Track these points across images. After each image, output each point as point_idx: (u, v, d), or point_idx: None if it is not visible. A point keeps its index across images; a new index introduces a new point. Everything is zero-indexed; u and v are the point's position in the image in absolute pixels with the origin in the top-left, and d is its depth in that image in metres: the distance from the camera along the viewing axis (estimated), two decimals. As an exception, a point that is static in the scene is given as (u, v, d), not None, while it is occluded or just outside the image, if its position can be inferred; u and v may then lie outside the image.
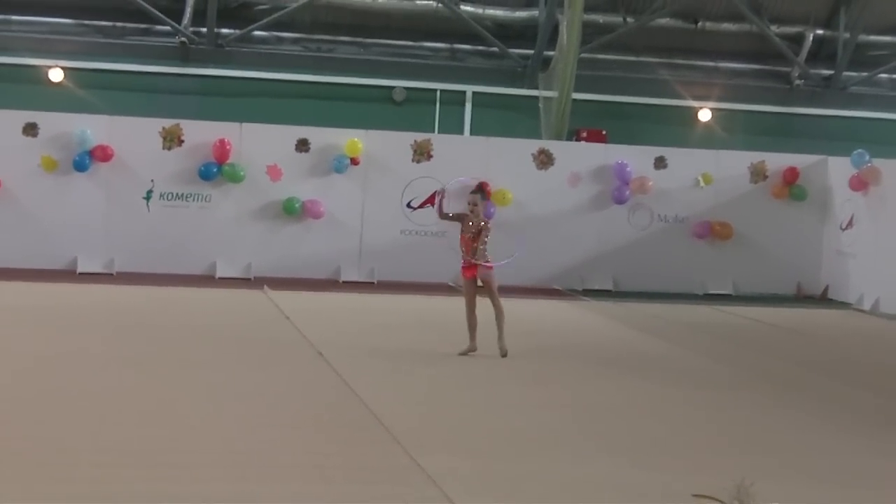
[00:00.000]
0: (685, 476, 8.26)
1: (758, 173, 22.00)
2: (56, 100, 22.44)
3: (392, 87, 25.29)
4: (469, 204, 13.41)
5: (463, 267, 13.41)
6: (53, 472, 7.57)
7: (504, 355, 13.12)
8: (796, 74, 26.90)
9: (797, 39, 26.69)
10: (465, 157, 21.02)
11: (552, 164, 21.27)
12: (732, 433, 10.03)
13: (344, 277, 20.25)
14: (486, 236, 13.29)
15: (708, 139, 25.31)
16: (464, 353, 13.14)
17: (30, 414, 9.22)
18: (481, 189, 13.78)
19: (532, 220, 20.94)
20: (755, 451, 9.26)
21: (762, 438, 9.84)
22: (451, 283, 20.28)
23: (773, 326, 17.83)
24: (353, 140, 20.37)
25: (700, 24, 26.33)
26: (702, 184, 21.63)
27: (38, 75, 23.62)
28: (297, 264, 20.13)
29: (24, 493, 7.14)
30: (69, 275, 19.18)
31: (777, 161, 22.11)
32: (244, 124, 20.41)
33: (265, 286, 18.84)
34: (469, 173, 20.62)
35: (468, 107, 25.62)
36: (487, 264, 13.25)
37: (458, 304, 18.40)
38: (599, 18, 25.52)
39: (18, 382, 10.50)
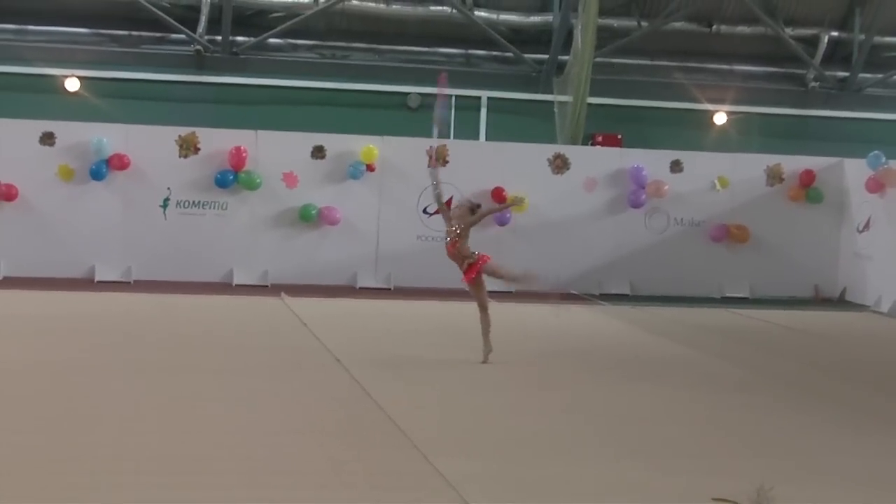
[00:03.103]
0: (703, 479, 8.26)
1: (774, 176, 21.97)
2: (72, 109, 22.49)
3: (407, 94, 25.32)
4: (456, 207, 13.32)
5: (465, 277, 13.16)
6: (73, 480, 7.59)
7: (484, 362, 12.94)
8: (811, 77, 26.86)
9: (812, 42, 26.64)
10: (480, 162, 21.04)
11: (568, 169, 21.28)
12: (749, 436, 10.01)
13: (360, 284, 20.28)
14: (464, 234, 12.97)
15: (723, 142, 25.26)
16: (485, 360, 12.98)
17: (49, 422, 9.24)
18: (472, 208, 13.28)
19: (548, 224, 20.98)
20: (772, 454, 9.25)
21: (779, 441, 9.83)
22: (468, 289, 20.27)
23: (790, 329, 17.80)
24: (368, 146, 20.41)
25: (714, 27, 26.29)
26: (718, 187, 21.61)
27: (55, 85, 23.68)
28: (313, 271, 20.15)
29: (44, 500, 7.16)
30: (87, 283, 19.24)
31: (793, 163, 22.08)
32: (260, 132, 20.46)
33: (282, 293, 18.87)
34: (485, 179, 20.72)
35: (483, 112, 25.63)
36: (479, 258, 12.99)
37: (476, 309, 18.51)
38: (614, 22, 25.50)
39: (38, 391, 10.53)
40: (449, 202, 13.82)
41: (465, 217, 13.00)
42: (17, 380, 11.02)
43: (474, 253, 12.97)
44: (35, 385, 10.80)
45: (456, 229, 12.92)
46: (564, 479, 8.19)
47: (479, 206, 13.38)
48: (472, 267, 12.97)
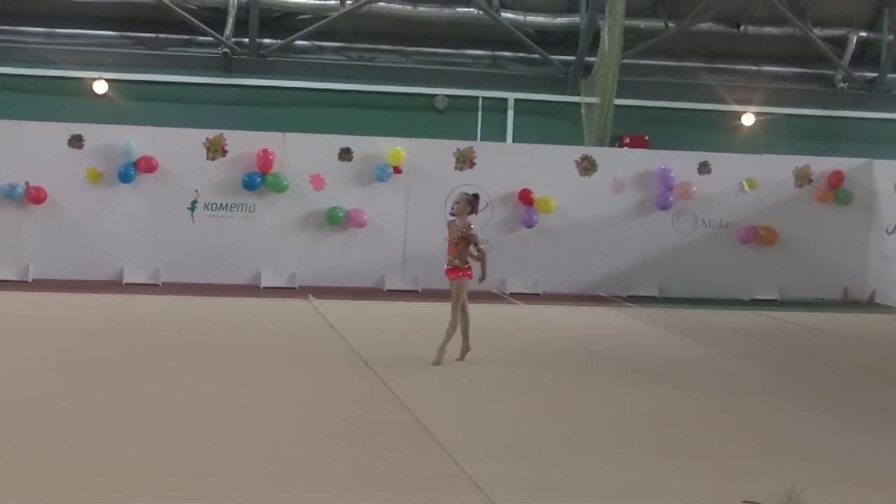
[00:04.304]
0: (729, 481, 8.21)
1: (802, 177, 21.90)
2: (100, 112, 22.61)
3: (434, 95, 25.33)
4: (456, 209, 13.14)
5: (447, 269, 13.00)
6: (98, 482, 7.60)
7: (436, 364, 12.68)
8: (840, 77, 26.75)
9: (840, 42, 26.56)
10: (507, 164, 21.03)
11: (595, 171, 21.23)
12: (776, 438, 9.95)
13: (388, 286, 20.29)
14: (472, 241, 12.82)
15: (752, 143, 25.19)
16: (460, 359, 12.89)
17: (75, 422, 9.27)
18: (475, 196, 13.28)
19: (576, 226, 20.97)
20: (800, 457, 9.19)
21: (807, 444, 9.77)
22: (494, 291, 20.27)
23: (818, 331, 17.72)
24: (395, 148, 20.41)
25: (742, 27, 26.23)
26: (746, 188, 21.55)
27: (83, 87, 23.81)
28: (341, 273, 20.17)
29: (71, 500, 7.18)
30: (115, 286, 19.31)
31: (822, 165, 22.00)
32: (287, 134, 20.49)
33: (310, 295, 18.89)
34: (512, 180, 20.73)
35: (510, 114, 25.62)
36: (463, 270, 12.83)
37: (503, 310, 18.52)
38: (641, 23, 25.48)
39: (65, 392, 10.57)
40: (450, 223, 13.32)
41: (464, 214, 12.90)
42: (46, 380, 11.06)
43: (468, 264, 12.86)
44: (62, 385, 10.84)
45: (455, 231, 12.87)
46: (590, 481, 8.16)
47: (476, 196, 13.26)
48: (457, 271, 12.82)
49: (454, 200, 13.10)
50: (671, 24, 25.77)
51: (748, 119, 26.12)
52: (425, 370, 12.41)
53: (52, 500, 7.20)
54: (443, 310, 17.97)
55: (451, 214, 13.19)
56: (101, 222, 19.85)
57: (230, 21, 24.38)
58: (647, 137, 24.68)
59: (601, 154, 21.65)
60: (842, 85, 26.80)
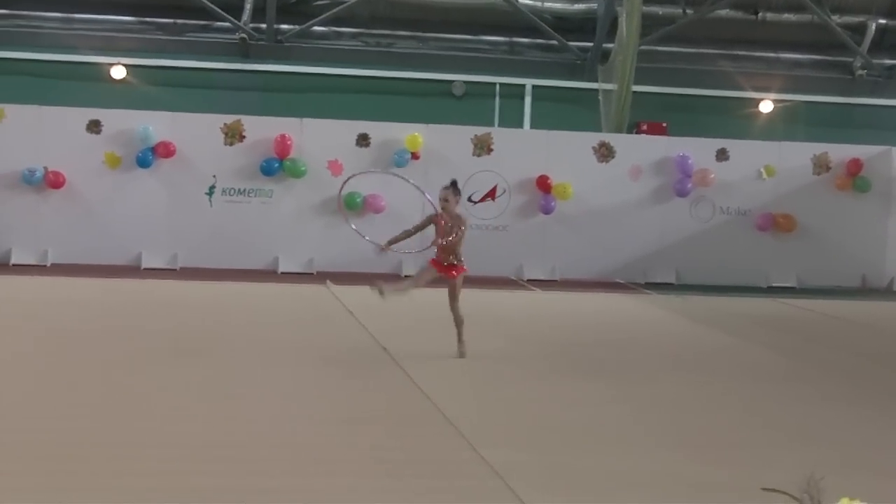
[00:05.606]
0: (749, 470, 8.20)
1: (821, 165, 21.85)
2: (118, 97, 22.66)
3: (451, 82, 25.32)
4: (440, 200, 12.27)
5: (433, 260, 12.52)
6: (118, 467, 7.62)
7: (462, 356, 12.36)
8: (859, 65, 26.66)
9: (859, 29, 26.45)
10: (525, 150, 21.03)
11: (613, 158, 21.23)
12: (795, 426, 9.93)
13: (406, 272, 20.29)
14: (459, 232, 12.22)
15: (770, 131, 25.14)
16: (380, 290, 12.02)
17: (93, 408, 9.29)
18: (454, 184, 12.43)
19: (593, 213, 20.98)
20: (819, 445, 9.17)
21: (826, 432, 9.74)
22: (512, 277, 20.28)
23: (837, 319, 17.69)
24: (413, 134, 20.43)
25: (760, 14, 26.15)
26: (764, 176, 21.52)
27: (101, 73, 23.84)
28: (358, 259, 20.16)
29: (92, 486, 7.20)
30: (133, 270, 19.37)
31: (840, 152, 21.96)
32: (305, 119, 20.52)
33: (327, 281, 18.91)
34: (530, 167, 20.73)
35: (528, 100, 25.59)
36: (458, 267, 12.40)
37: (523, 298, 18.52)
38: (659, 10, 25.41)
39: (83, 378, 10.59)
40: (432, 218, 12.56)
41: (452, 204, 12.28)
42: (64, 365, 11.08)
43: (461, 257, 12.44)
44: (80, 372, 10.86)
45: (446, 224, 12.26)
46: (609, 469, 8.16)
47: (454, 183, 12.48)
48: (457, 268, 12.44)
49: (441, 197, 12.27)
50: (689, 11, 25.69)
51: (766, 106, 26.06)
52: (443, 357, 12.41)
53: (70, 485, 7.23)
54: (460, 296, 18.02)
55: (442, 208, 12.31)
56: (120, 207, 19.92)
57: (248, 6, 24.39)
58: (664, 124, 24.64)
59: (619, 141, 21.63)
60: (861, 72, 26.70)
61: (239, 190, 20.23)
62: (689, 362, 13.09)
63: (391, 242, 12.57)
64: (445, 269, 12.41)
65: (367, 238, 13.29)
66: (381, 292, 12.01)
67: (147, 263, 19.77)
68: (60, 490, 7.07)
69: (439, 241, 12.33)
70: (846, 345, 15.04)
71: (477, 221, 20.52)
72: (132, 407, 9.43)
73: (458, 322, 12.52)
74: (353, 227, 13.76)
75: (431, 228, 12.55)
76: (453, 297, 12.48)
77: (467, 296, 18.20)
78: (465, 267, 12.49)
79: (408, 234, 12.50)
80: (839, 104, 26.74)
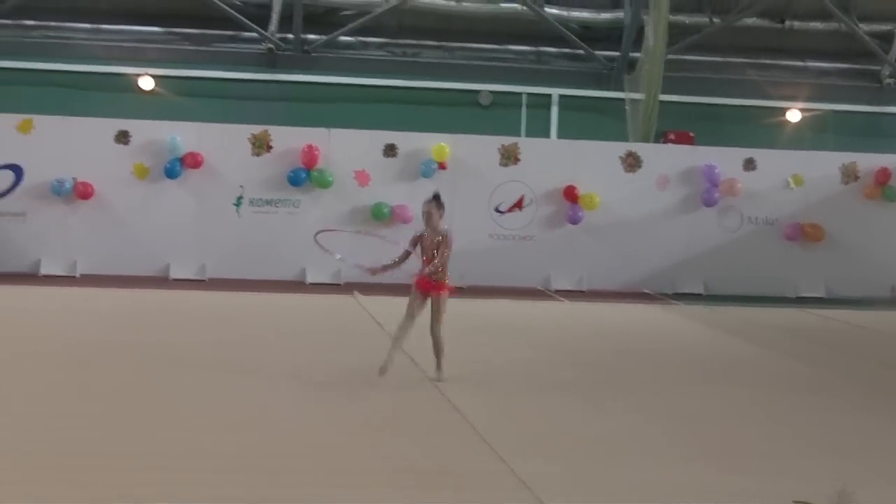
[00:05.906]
0: (777, 481, 8.17)
1: (849, 174, 21.78)
2: (146, 107, 22.73)
3: (478, 91, 25.31)
4: (424, 214, 11.84)
5: (417, 279, 11.92)
6: (146, 477, 7.65)
7: (440, 381, 11.64)
8: (886, 73, 26.54)
9: (887, 37, 26.35)
10: (552, 160, 21.03)
11: (640, 167, 21.19)
12: (823, 437, 9.90)
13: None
14: (445, 251, 11.76)
15: (797, 140, 25.06)
16: (383, 370, 11.54)
17: (128, 419, 9.32)
18: (437, 197, 11.93)
19: (621, 223, 20.93)
20: (849, 456, 9.14)
21: (856, 443, 9.71)
22: (539, 287, 20.27)
23: (866, 330, 17.61)
24: (440, 145, 20.44)
25: (787, 23, 26.08)
26: (792, 185, 21.46)
27: (129, 83, 23.92)
28: (384, 270, 20.14)
29: (118, 494, 7.23)
30: (162, 281, 19.43)
31: (868, 161, 21.88)
32: (332, 130, 20.56)
33: (355, 291, 18.92)
34: (557, 177, 20.70)
35: (554, 110, 25.56)
36: (444, 286, 11.90)
37: (548, 307, 18.50)
38: (685, 19, 25.35)
39: (110, 386, 10.63)
40: (416, 239, 12.06)
41: (436, 218, 11.82)
42: (91, 373, 11.13)
43: (446, 275, 11.99)
44: (107, 380, 10.90)
45: (428, 238, 11.85)
46: (638, 480, 8.15)
47: (437, 194, 12.02)
48: (443, 286, 11.98)
49: (424, 211, 11.83)
50: (716, 20, 25.63)
51: (794, 115, 25.95)
52: (471, 367, 12.40)
53: (89, 495, 7.25)
54: (488, 306, 18.05)
55: (426, 223, 11.90)
56: (148, 218, 19.99)
57: (275, 17, 24.45)
58: (691, 133, 24.58)
59: (646, 150, 21.60)
60: (888, 80, 26.59)
61: (266, 200, 20.27)
62: (717, 373, 13.07)
63: (378, 271, 12.21)
64: (431, 287, 11.91)
65: (354, 264, 12.76)
66: (384, 371, 11.56)
67: (175, 274, 19.83)
68: (80, 500, 7.12)
69: (424, 269, 11.86)
70: (875, 356, 14.98)
71: (504, 232, 20.54)
72: (153, 416, 9.46)
73: (438, 349, 11.83)
74: (338, 256, 13.36)
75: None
76: (436, 319, 11.84)
77: (495, 306, 18.26)
78: (451, 285, 12.01)
79: (396, 265, 12.07)
80: (867, 113, 26.61)
